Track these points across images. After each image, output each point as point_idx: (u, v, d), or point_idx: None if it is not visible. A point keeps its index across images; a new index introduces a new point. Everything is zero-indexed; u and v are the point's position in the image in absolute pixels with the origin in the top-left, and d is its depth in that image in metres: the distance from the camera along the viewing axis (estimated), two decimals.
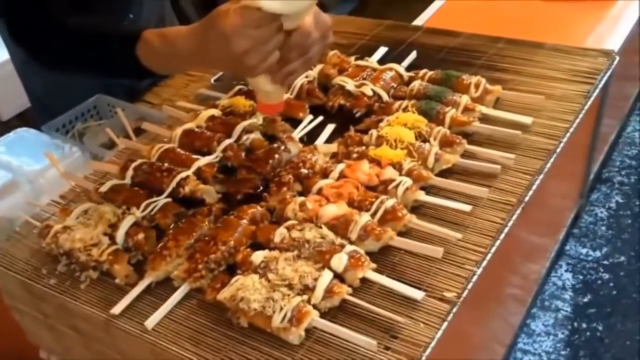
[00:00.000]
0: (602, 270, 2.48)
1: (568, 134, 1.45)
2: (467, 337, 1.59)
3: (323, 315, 1.11)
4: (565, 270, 2.49)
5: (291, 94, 1.63)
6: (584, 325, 2.31)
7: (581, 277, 2.47)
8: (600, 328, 2.29)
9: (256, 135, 1.49)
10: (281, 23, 1.18)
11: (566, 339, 2.27)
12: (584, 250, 2.56)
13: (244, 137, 1.48)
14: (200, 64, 1.40)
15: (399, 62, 1.74)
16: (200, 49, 1.22)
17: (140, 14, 1.79)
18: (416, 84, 1.59)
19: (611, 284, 2.43)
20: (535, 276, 2.29)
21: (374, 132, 1.43)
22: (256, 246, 1.24)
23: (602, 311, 2.35)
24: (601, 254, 2.54)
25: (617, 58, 1.69)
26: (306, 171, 1.37)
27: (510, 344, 2.19)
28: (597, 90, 1.60)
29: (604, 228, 2.65)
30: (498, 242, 1.23)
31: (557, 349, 2.24)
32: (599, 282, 2.45)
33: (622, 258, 2.52)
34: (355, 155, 1.39)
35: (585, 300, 2.39)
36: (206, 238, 1.23)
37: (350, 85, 1.60)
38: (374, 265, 1.17)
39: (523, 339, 2.27)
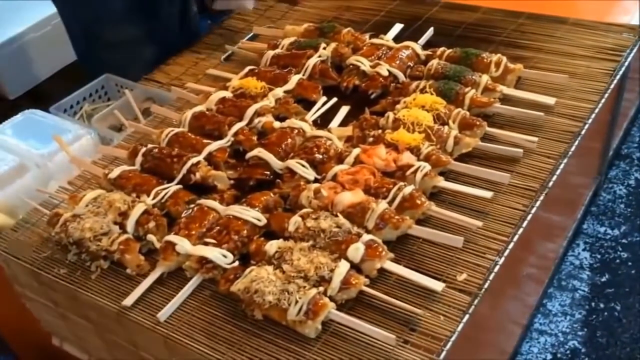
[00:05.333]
0: (620, 249, 2.43)
1: (593, 115, 1.40)
2: (483, 320, 1.56)
3: (339, 307, 1.08)
4: (583, 249, 2.44)
5: (304, 75, 1.58)
6: (602, 305, 2.27)
7: (599, 256, 2.42)
8: (618, 308, 2.25)
9: (268, 118, 1.45)
10: None
11: (583, 319, 2.23)
12: (602, 229, 2.50)
13: (256, 120, 1.44)
14: None
15: (416, 39, 1.67)
16: None
17: None
18: (434, 63, 1.53)
19: (629, 263, 2.38)
20: (552, 255, 2.25)
21: (390, 115, 1.38)
22: (269, 235, 1.20)
23: (620, 291, 2.30)
24: (619, 232, 2.48)
25: None
26: (320, 156, 1.32)
27: (526, 324, 2.16)
28: (623, 68, 1.53)
29: (622, 206, 2.58)
30: (520, 230, 1.18)
31: (574, 329, 2.21)
32: (617, 261, 2.40)
33: None
34: (371, 139, 1.34)
35: (603, 279, 2.35)
36: (218, 227, 1.20)
37: (365, 65, 1.54)
38: (392, 255, 1.14)
39: (539, 319, 2.24)
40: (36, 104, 1.80)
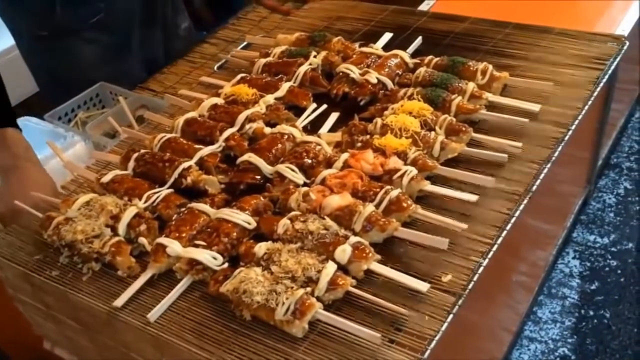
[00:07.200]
0: (609, 257, 2.46)
1: (577, 122, 1.43)
2: (472, 325, 1.57)
3: (327, 307, 1.09)
4: (573, 257, 2.47)
5: (294, 82, 1.61)
6: (591, 313, 2.29)
7: (588, 264, 2.44)
8: (607, 315, 2.27)
9: (259, 124, 1.48)
10: None
11: (573, 327, 2.25)
12: (592, 237, 2.53)
13: (247, 126, 1.47)
14: None
15: (404, 48, 1.71)
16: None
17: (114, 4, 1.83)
18: (421, 71, 1.56)
19: (619, 271, 2.41)
20: (542, 263, 2.27)
21: (378, 121, 1.41)
22: (259, 237, 1.22)
23: (609, 298, 2.32)
24: (609, 240, 2.51)
25: (627, 43, 1.66)
26: (310, 161, 1.35)
27: (516, 331, 2.18)
28: (607, 77, 1.57)
29: (612, 214, 2.62)
30: (504, 232, 1.21)
31: (563, 336, 2.22)
32: (607, 269, 2.42)
33: (630, 245, 2.49)
34: (359, 145, 1.37)
35: (593, 287, 2.37)
36: (208, 230, 1.22)
37: (354, 73, 1.57)
38: (378, 257, 1.16)
39: (530, 327, 2.25)
40: (31, 113, 1.82)
